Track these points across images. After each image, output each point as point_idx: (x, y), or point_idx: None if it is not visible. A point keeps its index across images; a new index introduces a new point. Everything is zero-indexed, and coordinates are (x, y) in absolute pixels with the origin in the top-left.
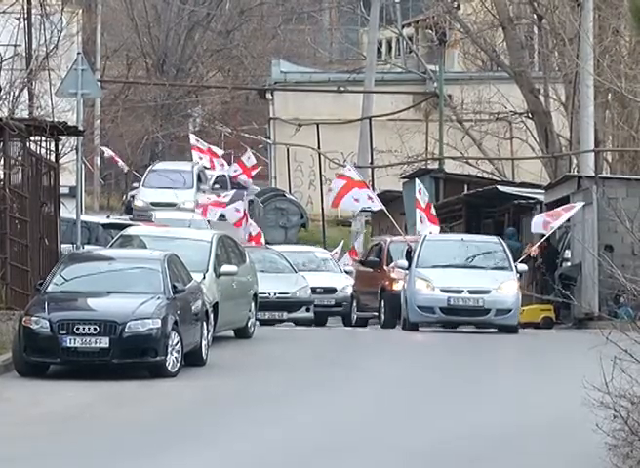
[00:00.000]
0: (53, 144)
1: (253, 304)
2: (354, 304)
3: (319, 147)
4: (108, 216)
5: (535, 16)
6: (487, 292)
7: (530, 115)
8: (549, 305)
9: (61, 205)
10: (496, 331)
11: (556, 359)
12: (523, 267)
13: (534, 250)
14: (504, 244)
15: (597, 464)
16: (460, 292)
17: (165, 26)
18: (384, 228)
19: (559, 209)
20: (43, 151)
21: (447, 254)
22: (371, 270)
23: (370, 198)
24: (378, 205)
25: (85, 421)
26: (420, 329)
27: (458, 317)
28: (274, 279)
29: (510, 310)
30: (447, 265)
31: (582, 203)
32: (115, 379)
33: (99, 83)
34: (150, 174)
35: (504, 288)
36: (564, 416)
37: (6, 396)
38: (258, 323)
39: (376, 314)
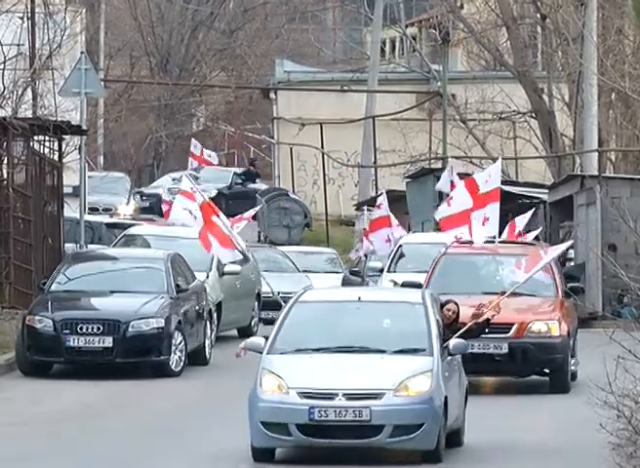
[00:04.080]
0: (56, 144)
1: (256, 304)
2: None
3: (323, 147)
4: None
5: (538, 15)
6: (377, 395)
7: (533, 115)
8: None
9: (65, 204)
10: None
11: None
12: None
13: (492, 308)
14: (430, 304)
15: (601, 463)
16: (332, 396)
17: (168, 26)
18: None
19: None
20: (46, 150)
21: (321, 328)
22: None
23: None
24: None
25: (87, 421)
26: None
27: (328, 440)
28: (278, 278)
29: (421, 426)
30: (318, 348)
31: (565, 247)
32: (119, 378)
33: (102, 82)
34: None
35: (412, 387)
36: (568, 416)
37: (8, 395)
38: (261, 322)
39: None
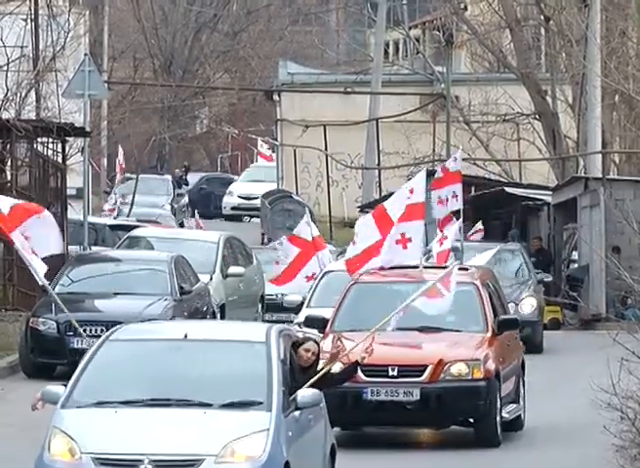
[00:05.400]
0: (60, 146)
1: (260, 306)
2: None
3: (326, 149)
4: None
5: (542, 17)
6: (194, 463)
7: (537, 116)
8: (556, 307)
9: (68, 206)
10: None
11: (563, 360)
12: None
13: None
14: (276, 344)
15: (604, 465)
16: (136, 464)
17: (172, 28)
18: None
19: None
20: (50, 152)
21: (133, 375)
22: None
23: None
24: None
25: None
26: None
27: None
28: None
29: None
30: (126, 401)
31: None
32: None
33: (105, 84)
34: None
35: (240, 451)
36: (571, 418)
37: (11, 397)
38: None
39: None
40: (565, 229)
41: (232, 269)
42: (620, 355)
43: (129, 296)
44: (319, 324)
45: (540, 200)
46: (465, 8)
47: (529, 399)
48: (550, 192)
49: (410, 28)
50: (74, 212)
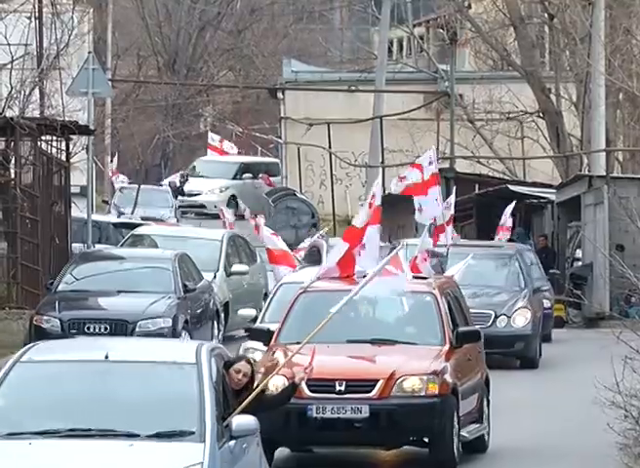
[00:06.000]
0: (64, 144)
1: (264, 303)
2: None
3: (330, 147)
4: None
5: (546, 15)
6: None
7: (541, 115)
8: (561, 305)
9: (72, 204)
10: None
11: (567, 358)
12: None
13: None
14: (208, 365)
15: (608, 463)
16: None
17: (176, 25)
18: (394, 227)
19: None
20: (54, 150)
21: (48, 401)
22: None
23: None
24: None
25: None
26: None
27: None
28: None
29: None
30: (41, 431)
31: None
32: None
33: (109, 82)
34: None
35: None
36: (575, 416)
37: None
38: None
39: None
40: (569, 227)
41: (236, 267)
42: (624, 353)
43: (133, 294)
44: (264, 336)
45: (544, 198)
46: (469, 6)
47: (535, 397)
48: (554, 190)
49: (414, 26)
50: (78, 210)
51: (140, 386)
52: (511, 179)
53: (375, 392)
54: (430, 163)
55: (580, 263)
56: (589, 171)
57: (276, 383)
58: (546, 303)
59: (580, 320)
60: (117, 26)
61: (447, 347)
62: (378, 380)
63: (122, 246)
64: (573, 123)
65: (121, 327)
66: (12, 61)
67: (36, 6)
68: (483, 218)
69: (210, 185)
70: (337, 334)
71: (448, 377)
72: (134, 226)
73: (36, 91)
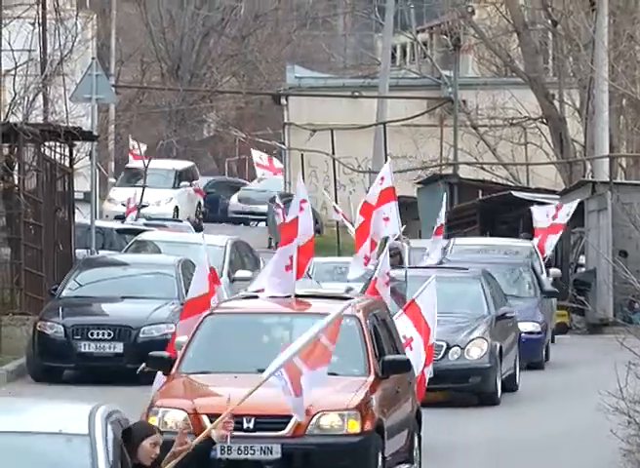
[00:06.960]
0: (67, 149)
1: None
2: None
3: (333, 153)
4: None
5: (549, 21)
6: None
7: (544, 120)
8: (564, 311)
9: (76, 210)
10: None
11: (571, 364)
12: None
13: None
14: (102, 437)
15: None
16: None
17: (179, 32)
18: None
19: None
20: (57, 156)
21: None
22: None
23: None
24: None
25: None
26: None
27: None
28: None
29: None
30: None
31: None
32: (129, 384)
33: (113, 88)
34: None
35: None
36: (579, 422)
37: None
38: None
39: None
40: (572, 233)
41: (239, 273)
42: (628, 359)
43: (136, 300)
44: (163, 364)
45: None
46: (473, 12)
47: (538, 403)
48: (558, 196)
49: (417, 32)
50: (81, 216)
51: (15, 466)
52: (515, 185)
53: (288, 430)
54: (383, 178)
55: (583, 269)
56: (593, 177)
57: (176, 418)
58: (532, 327)
59: (583, 326)
60: (121, 32)
61: (372, 378)
62: (291, 417)
63: (126, 252)
64: (576, 129)
65: (125, 333)
66: (15, 68)
67: (40, 12)
68: (486, 224)
69: (156, 197)
70: (246, 363)
71: (372, 412)
72: (137, 232)
73: (40, 97)
